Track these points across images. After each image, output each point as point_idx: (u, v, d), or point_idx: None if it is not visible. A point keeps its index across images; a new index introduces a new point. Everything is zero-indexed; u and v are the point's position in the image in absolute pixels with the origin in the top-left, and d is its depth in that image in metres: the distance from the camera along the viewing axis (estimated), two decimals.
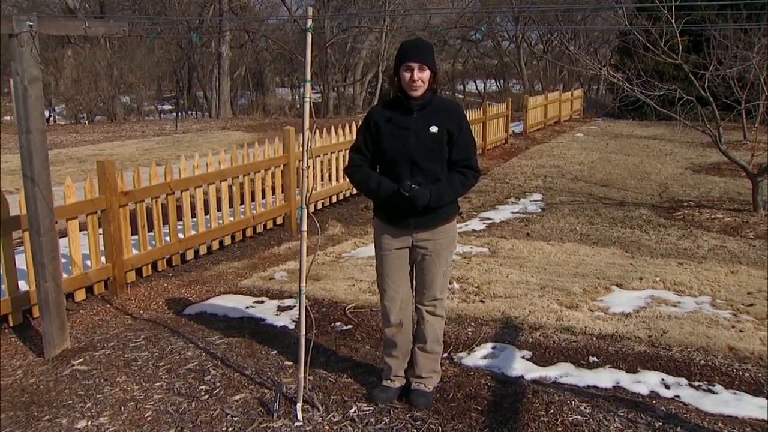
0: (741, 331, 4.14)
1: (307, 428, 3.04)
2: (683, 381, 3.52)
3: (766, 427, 3.07)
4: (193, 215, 6.34)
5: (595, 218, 7.56)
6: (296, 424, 3.07)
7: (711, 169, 11.21)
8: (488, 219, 7.66)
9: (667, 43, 8.22)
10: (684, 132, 12.79)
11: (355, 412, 3.17)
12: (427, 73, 3.01)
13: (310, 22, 2.99)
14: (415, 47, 3.02)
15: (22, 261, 4.49)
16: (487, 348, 3.94)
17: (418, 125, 3.05)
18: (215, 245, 6.41)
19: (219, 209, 6.35)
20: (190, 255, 6.01)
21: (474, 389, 3.41)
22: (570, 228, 7.12)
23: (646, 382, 3.50)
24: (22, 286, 4.51)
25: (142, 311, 4.72)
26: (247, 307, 4.68)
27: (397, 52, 3.07)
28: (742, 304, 4.63)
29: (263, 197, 6.91)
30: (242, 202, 6.73)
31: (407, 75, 2.99)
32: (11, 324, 4.39)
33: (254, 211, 6.74)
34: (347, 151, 3.31)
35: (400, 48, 3.06)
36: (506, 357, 3.80)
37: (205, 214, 6.13)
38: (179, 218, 6.08)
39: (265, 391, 3.41)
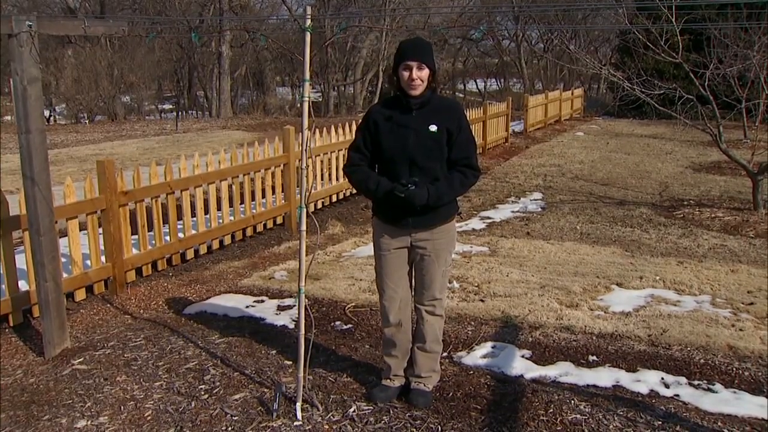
0: (741, 329, 4.14)
1: (307, 427, 3.05)
2: (683, 380, 3.52)
3: (766, 426, 3.07)
4: (193, 215, 6.34)
5: (595, 217, 7.56)
6: (296, 423, 3.07)
7: (711, 167, 11.20)
8: (488, 218, 7.66)
9: (667, 42, 8.21)
10: (684, 131, 12.78)
11: (354, 411, 3.18)
12: (426, 72, 3.00)
13: (309, 22, 2.99)
14: (414, 46, 3.02)
15: (22, 261, 4.49)
16: (486, 347, 3.94)
17: (417, 124, 3.05)
18: (215, 245, 6.42)
19: (219, 209, 6.35)
20: (190, 254, 6.02)
21: (473, 388, 3.41)
22: (570, 227, 7.11)
23: (646, 381, 3.50)
24: (22, 285, 4.51)
25: (142, 311, 4.72)
26: (246, 307, 4.68)
27: (396, 51, 3.07)
28: (742, 303, 4.63)
29: (263, 197, 6.91)
30: (242, 202, 6.74)
31: (406, 74, 2.99)
32: (11, 324, 4.39)
33: (254, 211, 6.74)
34: (347, 150, 3.31)
35: (399, 47, 3.06)
36: (506, 356, 3.80)
37: (205, 214, 6.13)
38: (179, 218, 6.08)
39: (265, 390, 3.41)
